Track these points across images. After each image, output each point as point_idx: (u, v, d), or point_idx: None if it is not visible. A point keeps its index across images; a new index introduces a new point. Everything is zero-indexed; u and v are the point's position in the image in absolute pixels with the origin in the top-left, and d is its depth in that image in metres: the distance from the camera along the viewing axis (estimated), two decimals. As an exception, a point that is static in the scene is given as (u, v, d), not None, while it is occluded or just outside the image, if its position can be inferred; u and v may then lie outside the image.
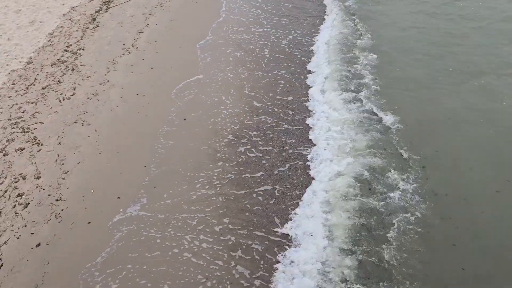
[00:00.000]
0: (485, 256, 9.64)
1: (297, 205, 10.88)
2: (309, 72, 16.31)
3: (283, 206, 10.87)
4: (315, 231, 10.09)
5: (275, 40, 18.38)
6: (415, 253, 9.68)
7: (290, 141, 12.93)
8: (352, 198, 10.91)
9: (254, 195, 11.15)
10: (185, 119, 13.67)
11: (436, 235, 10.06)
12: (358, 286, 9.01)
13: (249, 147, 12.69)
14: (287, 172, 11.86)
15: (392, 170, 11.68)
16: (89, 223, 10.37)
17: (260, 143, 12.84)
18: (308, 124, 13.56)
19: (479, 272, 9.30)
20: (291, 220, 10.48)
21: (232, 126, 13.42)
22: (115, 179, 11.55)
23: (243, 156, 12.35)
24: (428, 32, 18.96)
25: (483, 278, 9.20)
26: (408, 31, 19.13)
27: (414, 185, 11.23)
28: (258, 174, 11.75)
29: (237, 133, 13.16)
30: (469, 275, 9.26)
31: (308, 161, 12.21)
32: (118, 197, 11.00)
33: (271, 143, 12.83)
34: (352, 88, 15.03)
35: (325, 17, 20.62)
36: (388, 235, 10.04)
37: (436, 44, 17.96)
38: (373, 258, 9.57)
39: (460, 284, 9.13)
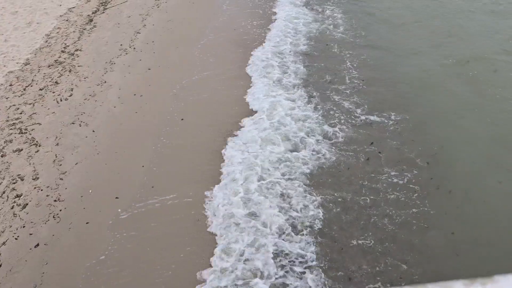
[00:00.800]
0: (481, 244, 9.80)
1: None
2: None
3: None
4: None
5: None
6: (415, 244, 9.82)
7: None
8: (348, 185, 11.09)
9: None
10: (182, 119, 13.70)
11: (436, 228, 10.18)
12: (359, 274, 9.14)
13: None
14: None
15: (392, 165, 11.80)
16: (87, 223, 10.39)
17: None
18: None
19: (474, 259, 9.46)
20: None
21: (228, 126, 13.48)
22: (113, 179, 11.58)
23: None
24: (426, 23, 19.23)
25: (477, 263, 9.35)
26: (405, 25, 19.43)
27: (415, 179, 11.34)
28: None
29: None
30: (464, 260, 9.42)
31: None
32: (116, 197, 11.02)
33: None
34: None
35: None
36: (388, 227, 10.18)
37: (433, 35, 18.18)
38: (374, 247, 9.72)
39: (455, 269, 9.26)
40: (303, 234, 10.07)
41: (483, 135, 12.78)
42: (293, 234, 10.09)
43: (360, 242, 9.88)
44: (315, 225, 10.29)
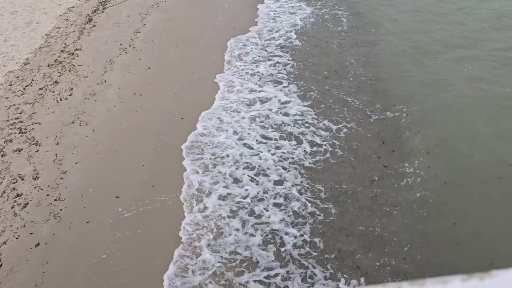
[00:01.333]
0: (480, 234, 9.86)
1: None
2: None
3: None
4: None
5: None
6: (415, 231, 9.92)
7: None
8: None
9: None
10: (182, 118, 13.69)
11: (436, 217, 10.24)
12: (367, 260, 9.16)
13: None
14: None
15: (395, 156, 11.85)
16: (88, 222, 10.38)
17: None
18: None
19: (473, 249, 9.49)
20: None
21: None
22: (113, 178, 11.56)
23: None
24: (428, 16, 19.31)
25: (476, 254, 9.39)
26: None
27: (417, 171, 11.37)
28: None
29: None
30: (464, 249, 9.46)
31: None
32: (117, 196, 11.01)
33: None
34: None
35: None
36: (391, 213, 10.27)
37: (433, 30, 18.18)
38: (380, 234, 9.85)
39: (455, 257, 9.29)
40: (306, 224, 10.09)
41: (484, 130, 12.78)
42: (296, 222, 10.13)
43: (369, 228, 9.93)
44: (318, 213, 10.31)
